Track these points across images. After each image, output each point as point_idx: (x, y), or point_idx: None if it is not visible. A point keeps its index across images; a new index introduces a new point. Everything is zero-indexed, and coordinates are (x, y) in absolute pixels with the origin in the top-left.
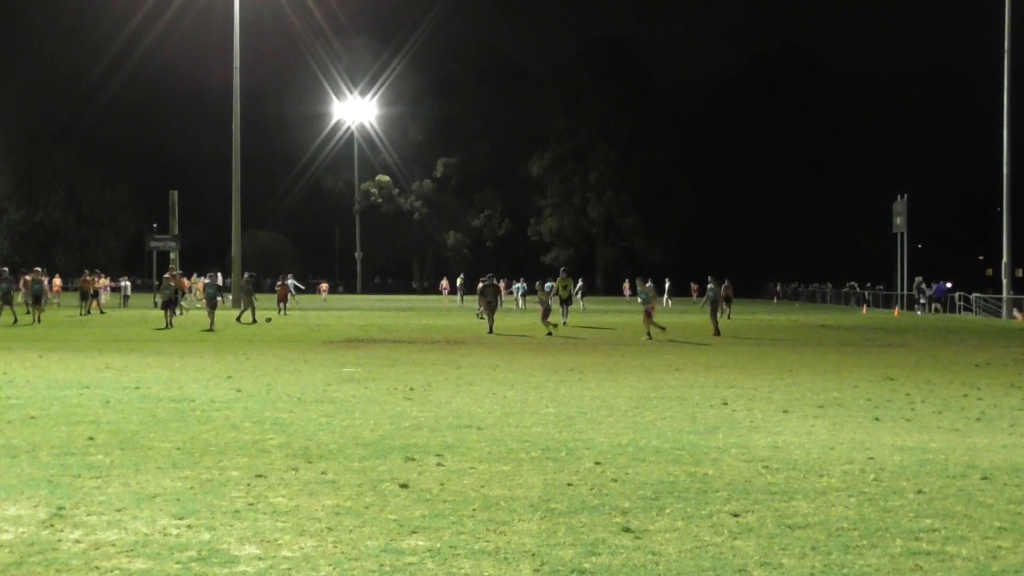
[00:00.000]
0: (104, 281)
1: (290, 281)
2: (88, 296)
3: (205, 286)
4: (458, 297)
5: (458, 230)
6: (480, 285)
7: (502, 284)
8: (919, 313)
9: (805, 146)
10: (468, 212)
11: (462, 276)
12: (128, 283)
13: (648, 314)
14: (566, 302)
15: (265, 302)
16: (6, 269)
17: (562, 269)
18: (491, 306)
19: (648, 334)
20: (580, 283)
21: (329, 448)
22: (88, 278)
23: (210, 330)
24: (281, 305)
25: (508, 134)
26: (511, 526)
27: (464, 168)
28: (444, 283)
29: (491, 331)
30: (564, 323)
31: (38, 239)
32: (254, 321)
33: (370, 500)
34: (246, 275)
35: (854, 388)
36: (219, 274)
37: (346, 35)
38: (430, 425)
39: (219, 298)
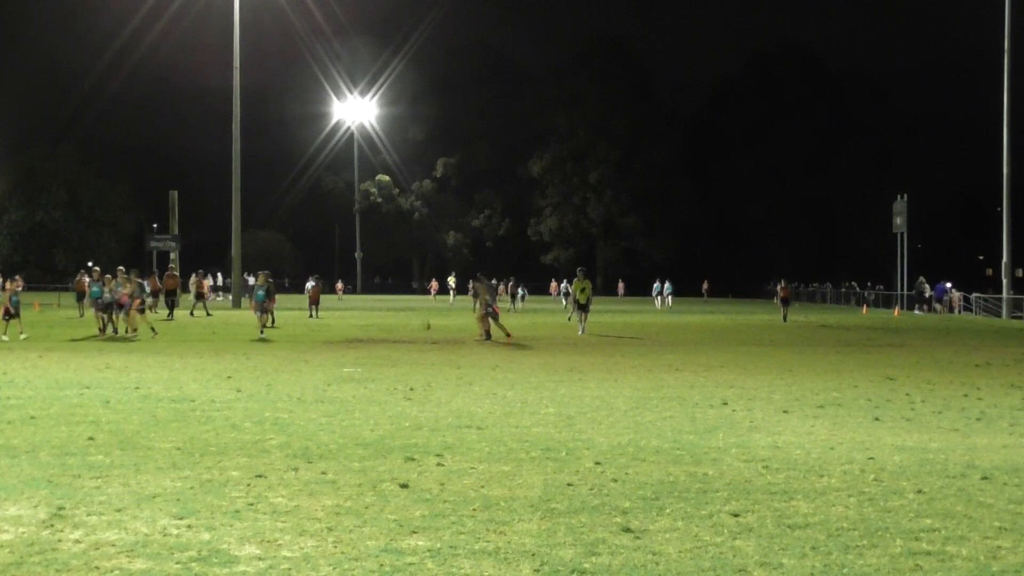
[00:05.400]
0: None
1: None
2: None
3: (89, 283)
4: (450, 297)
5: (458, 230)
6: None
7: (501, 287)
8: (917, 312)
9: (805, 146)
10: (468, 212)
11: (454, 275)
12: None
13: (494, 315)
14: (583, 307)
15: (289, 302)
16: (112, 271)
17: (579, 269)
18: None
19: (486, 334)
20: (521, 285)
21: (329, 448)
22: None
23: (96, 335)
24: (313, 308)
25: (508, 134)
26: (511, 526)
27: (464, 168)
28: (433, 283)
29: (488, 337)
30: (581, 332)
31: (38, 239)
32: (272, 324)
33: (370, 500)
34: (264, 273)
35: (854, 388)
36: (102, 272)
37: (346, 35)
38: (430, 425)
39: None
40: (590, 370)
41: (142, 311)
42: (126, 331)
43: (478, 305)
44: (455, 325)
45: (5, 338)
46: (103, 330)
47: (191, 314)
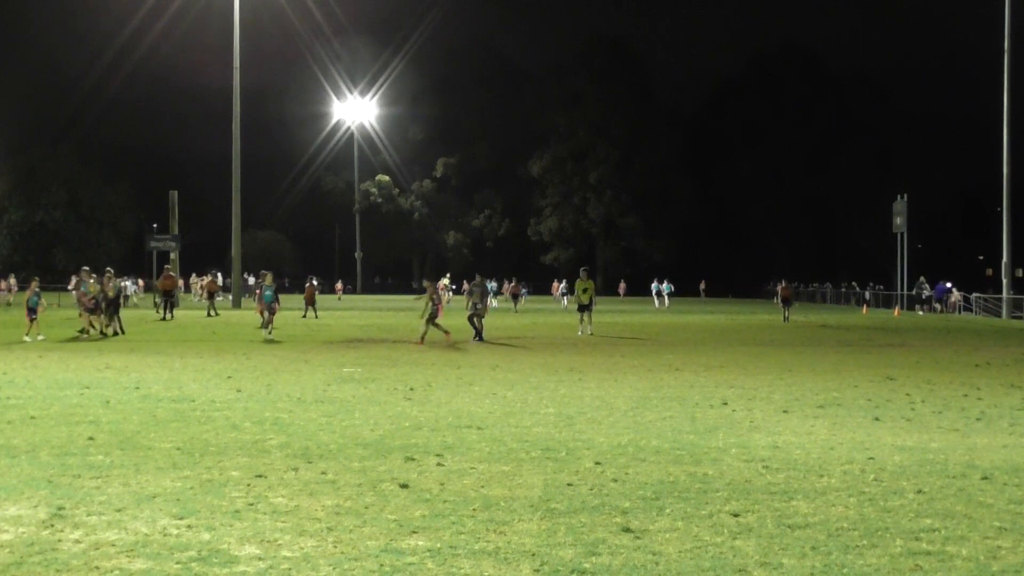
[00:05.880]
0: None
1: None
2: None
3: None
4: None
5: (458, 230)
6: (468, 285)
7: (507, 286)
8: (920, 313)
9: (805, 146)
10: (468, 212)
11: (447, 276)
12: (129, 283)
13: (433, 316)
14: (585, 307)
15: (289, 303)
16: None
17: (582, 269)
18: (476, 309)
19: (478, 334)
20: (522, 285)
21: (329, 448)
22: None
23: (98, 336)
24: (308, 308)
25: (508, 134)
26: (511, 526)
27: (464, 168)
28: (442, 284)
29: (480, 337)
30: (586, 332)
31: (38, 239)
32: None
33: (370, 500)
34: (270, 274)
35: (854, 388)
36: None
37: (346, 35)
38: (430, 425)
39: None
40: (590, 370)
41: (91, 311)
42: (95, 329)
43: (468, 305)
44: (453, 325)
45: (41, 337)
46: (99, 329)
47: (216, 314)
